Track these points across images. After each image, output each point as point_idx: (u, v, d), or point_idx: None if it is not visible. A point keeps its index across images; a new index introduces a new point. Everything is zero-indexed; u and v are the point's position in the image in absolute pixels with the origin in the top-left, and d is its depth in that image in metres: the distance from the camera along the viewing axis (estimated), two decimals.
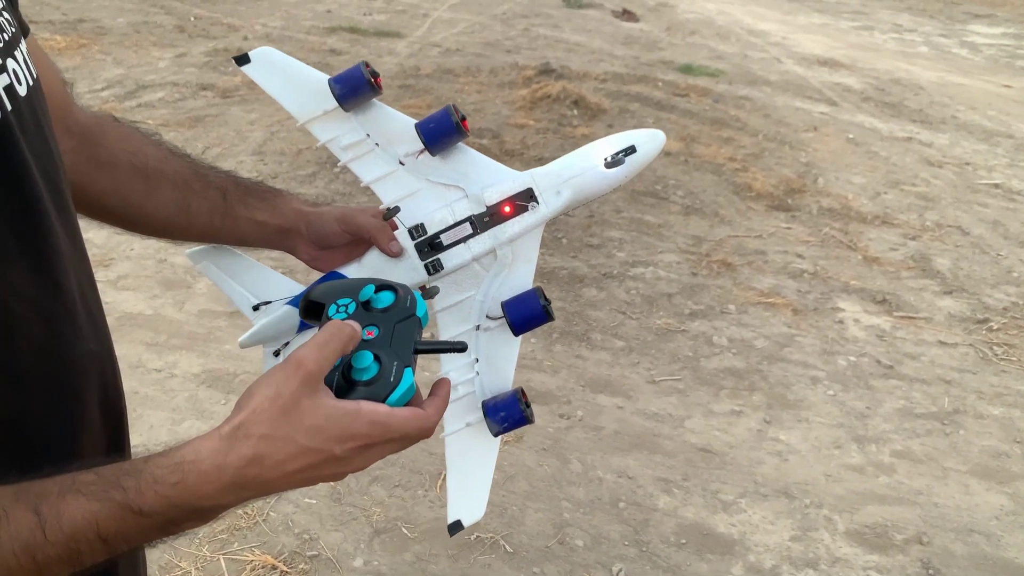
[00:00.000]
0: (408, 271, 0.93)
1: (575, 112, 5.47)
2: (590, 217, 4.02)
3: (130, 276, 3.25)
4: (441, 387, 0.68)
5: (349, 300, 0.67)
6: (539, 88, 5.78)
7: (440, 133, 0.89)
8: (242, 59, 0.94)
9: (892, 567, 2.21)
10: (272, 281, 0.98)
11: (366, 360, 0.62)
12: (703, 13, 10.32)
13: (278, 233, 0.95)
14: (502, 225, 0.91)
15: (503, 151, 4.68)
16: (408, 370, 0.63)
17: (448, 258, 0.92)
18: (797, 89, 6.84)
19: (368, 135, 0.92)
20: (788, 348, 3.13)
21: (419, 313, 0.68)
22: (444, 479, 2.43)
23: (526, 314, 0.91)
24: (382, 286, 0.69)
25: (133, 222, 0.92)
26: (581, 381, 2.86)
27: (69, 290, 0.68)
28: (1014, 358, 3.19)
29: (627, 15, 9.55)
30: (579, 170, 0.92)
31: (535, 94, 5.69)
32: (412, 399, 0.65)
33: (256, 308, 0.97)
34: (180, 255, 3.40)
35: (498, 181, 0.92)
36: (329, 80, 0.90)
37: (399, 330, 0.66)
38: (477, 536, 2.23)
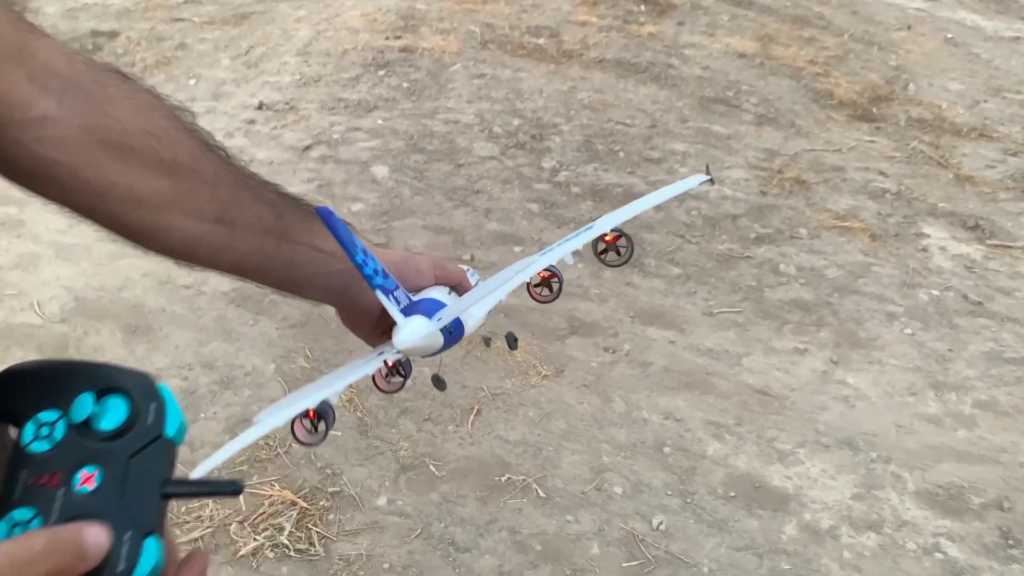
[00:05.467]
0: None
1: (642, 8, 5.04)
2: (652, 127, 3.71)
3: None
4: (193, 563, 0.46)
5: (56, 415, 0.44)
6: None
7: None
8: None
9: (966, 534, 2.00)
10: None
11: None
12: None
13: (351, 274, 0.68)
14: None
15: (560, 51, 4.34)
16: (151, 541, 0.41)
17: None
18: None
19: None
20: (863, 279, 2.84)
21: (169, 432, 0.44)
22: (476, 414, 2.30)
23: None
24: (106, 389, 0.46)
25: (145, 232, 0.63)
26: (630, 311, 2.65)
27: None
28: None
29: None
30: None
31: None
32: None
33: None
34: None
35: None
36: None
37: (136, 469, 0.43)
38: (508, 478, 2.09)
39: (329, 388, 0.68)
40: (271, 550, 1.90)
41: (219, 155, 0.66)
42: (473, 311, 0.76)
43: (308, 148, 3.34)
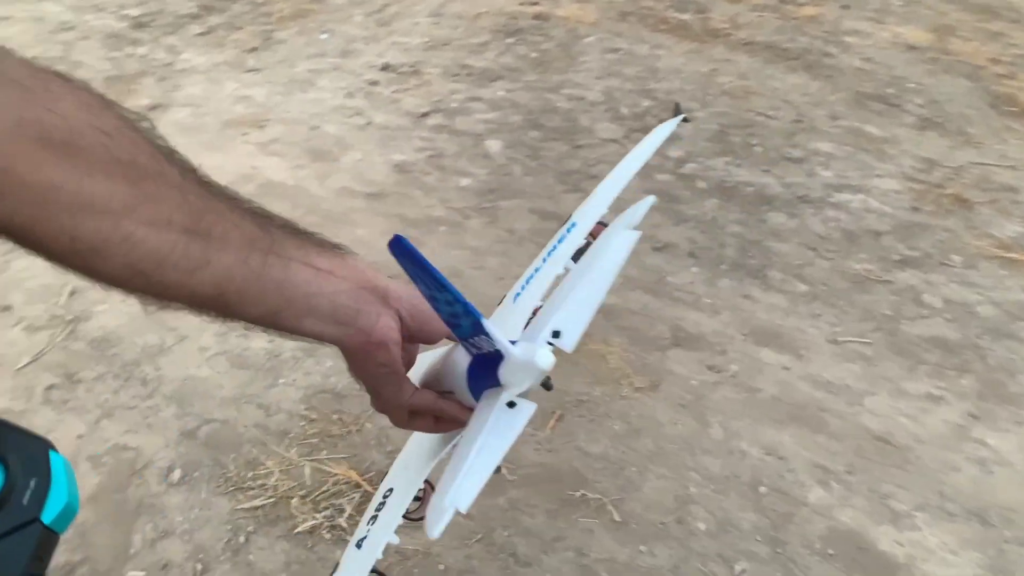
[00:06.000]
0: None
1: None
2: (797, 122, 3.38)
3: (280, 141, 3.12)
4: None
5: None
6: None
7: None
8: None
9: None
10: None
11: None
12: None
13: (358, 296, 0.60)
14: None
15: (705, 29, 4.04)
16: None
17: None
18: None
19: None
20: (1022, 323, 2.47)
21: (46, 518, 0.37)
22: (558, 420, 2.16)
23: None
24: None
25: (100, 248, 0.49)
26: (744, 328, 2.41)
27: None
28: None
29: None
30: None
31: None
32: None
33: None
34: (333, 122, 3.23)
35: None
36: None
37: None
38: (583, 494, 1.94)
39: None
40: (328, 531, 1.85)
41: (182, 163, 0.53)
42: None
43: (425, 115, 3.24)
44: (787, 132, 3.32)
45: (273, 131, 3.17)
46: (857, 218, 2.87)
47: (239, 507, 1.90)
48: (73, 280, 2.19)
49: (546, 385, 0.71)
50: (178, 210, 0.51)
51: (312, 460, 2.00)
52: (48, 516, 0.38)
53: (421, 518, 0.64)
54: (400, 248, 0.53)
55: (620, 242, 0.62)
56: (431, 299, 0.58)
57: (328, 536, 1.84)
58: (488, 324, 0.60)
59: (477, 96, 3.38)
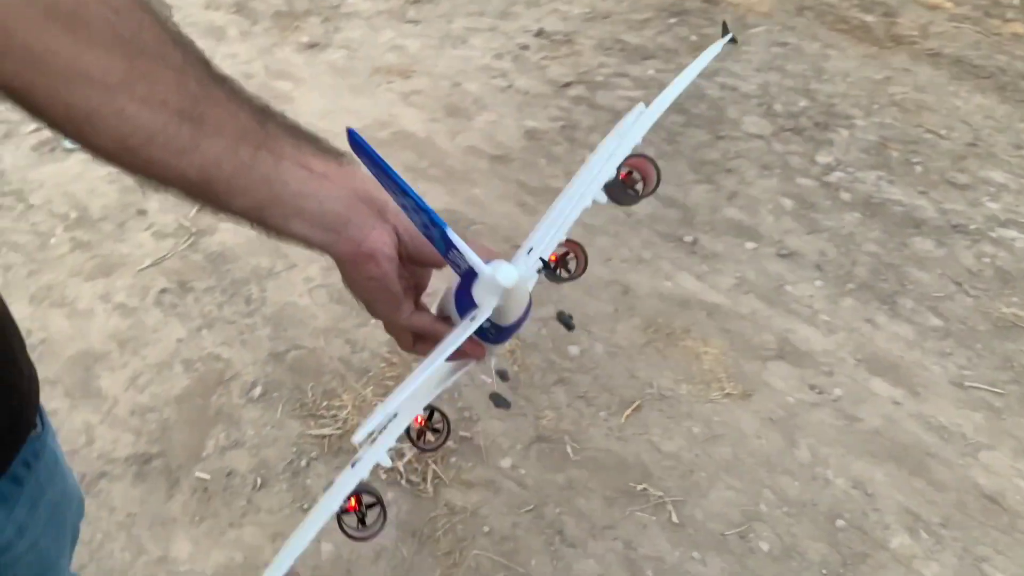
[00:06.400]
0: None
1: (1016, 1, 4.18)
2: (971, 145, 3.07)
3: (422, 93, 3.17)
4: None
5: None
6: None
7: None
8: None
9: None
10: None
11: None
12: None
13: (350, 204, 0.58)
14: None
15: (889, 35, 3.73)
16: None
17: None
18: None
19: None
20: None
21: None
22: (635, 409, 2.08)
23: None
24: None
25: (92, 116, 0.50)
26: (859, 353, 2.23)
27: None
28: None
29: None
30: None
31: None
32: None
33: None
34: (476, 81, 3.24)
35: None
36: None
37: None
38: (645, 489, 1.87)
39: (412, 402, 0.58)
40: (385, 472, 1.87)
41: (191, 50, 0.53)
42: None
43: (567, 85, 3.19)
44: (957, 155, 3.02)
45: (417, 83, 3.23)
46: (1018, 259, 2.57)
47: (308, 432, 1.96)
48: None
49: (566, 324, 0.69)
50: (174, 92, 0.51)
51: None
52: None
53: (432, 448, 0.66)
54: (355, 143, 0.50)
55: (604, 154, 0.57)
56: (404, 208, 0.55)
57: (384, 477, 1.86)
58: (455, 235, 0.56)
59: (625, 72, 3.29)
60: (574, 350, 2.18)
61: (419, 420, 0.68)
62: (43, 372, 2.01)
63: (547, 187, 2.72)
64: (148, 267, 2.34)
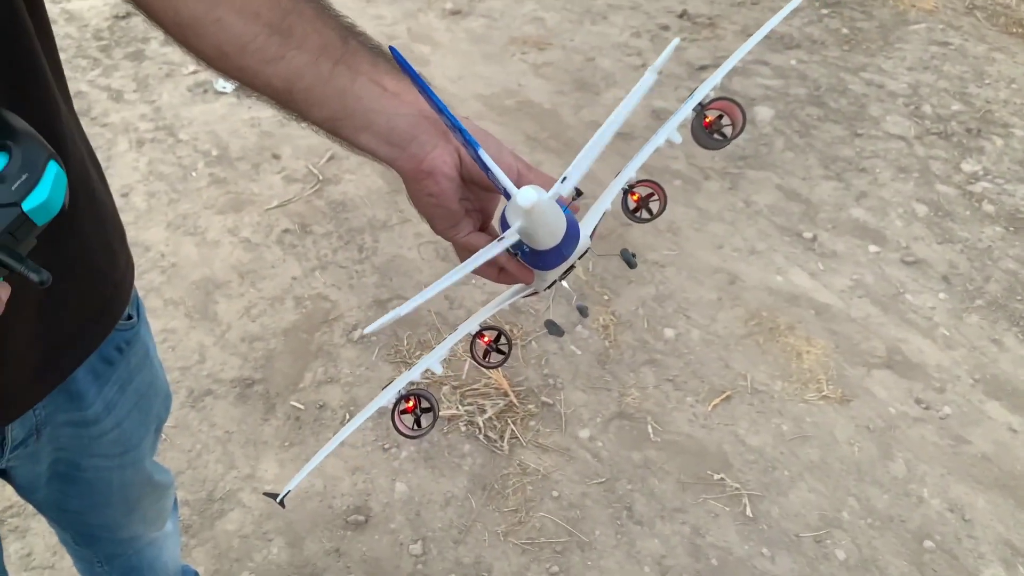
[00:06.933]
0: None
1: None
2: None
3: (554, 65, 3.18)
4: None
5: None
6: None
7: None
8: None
9: None
10: None
11: None
12: None
13: (416, 123, 0.61)
14: None
15: None
16: None
17: None
18: None
19: None
20: None
21: (26, 205, 0.41)
22: (724, 399, 2.03)
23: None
24: None
25: (195, 23, 0.58)
26: (977, 373, 2.08)
27: None
28: None
29: None
30: None
31: None
32: None
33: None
34: (609, 58, 3.22)
35: None
36: None
37: None
38: (722, 478, 1.83)
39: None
40: (465, 425, 1.92)
41: None
42: (587, 220, 0.64)
43: (703, 68, 3.12)
44: None
45: (551, 55, 3.24)
46: None
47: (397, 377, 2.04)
48: (335, 148, 2.44)
49: (628, 261, 0.70)
50: (266, 5, 0.58)
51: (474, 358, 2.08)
52: (28, 205, 0.43)
53: (495, 366, 0.68)
54: (396, 59, 0.53)
55: (638, 86, 0.57)
56: (443, 111, 0.58)
57: (463, 429, 1.91)
58: (486, 156, 0.58)
59: (765, 60, 3.18)
60: (669, 333, 2.15)
61: (486, 339, 0.70)
62: (169, 293, 2.19)
63: (666, 168, 2.68)
64: (275, 207, 2.48)
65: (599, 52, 3.24)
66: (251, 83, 0.62)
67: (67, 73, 0.69)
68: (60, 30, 3.07)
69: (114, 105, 2.80)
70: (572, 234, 0.60)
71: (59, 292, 0.67)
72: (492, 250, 0.57)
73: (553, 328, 0.72)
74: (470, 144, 0.57)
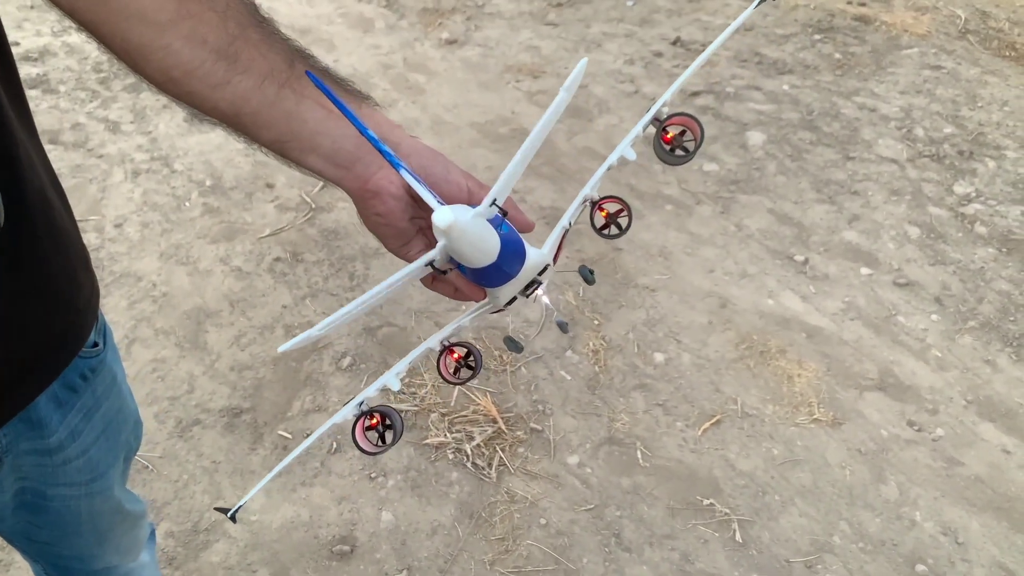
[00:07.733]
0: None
1: None
2: None
3: (548, 93, 3.21)
4: None
5: None
6: None
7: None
8: None
9: None
10: None
11: None
12: None
13: (362, 144, 0.63)
14: None
15: None
16: None
17: None
18: None
19: None
20: None
21: None
22: (714, 423, 2.01)
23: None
24: None
25: (143, 51, 0.59)
26: (970, 395, 2.06)
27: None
28: None
29: None
30: None
31: None
32: None
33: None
34: (603, 85, 3.24)
35: None
36: None
37: None
38: (711, 504, 1.81)
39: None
40: (453, 452, 1.91)
41: None
42: (549, 239, 0.66)
43: (695, 95, 3.13)
44: None
45: (545, 83, 3.27)
46: None
47: (401, 409, 2.03)
48: None
49: (586, 278, 0.71)
50: (214, 32, 0.59)
51: (464, 384, 2.08)
52: None
53: (463, 382, 0.69)
54: (314, 81, 0.54)
55: (553, 106, 0.58)
56: (363, 131, 0.59)
57: (451, 456, 1.91)
58: (408, 174, 0.60)
59: (758, 85, 3.19)
60: (660, 357, 2.14)
61: (456, 355, 0.71)
62: (160, 322, 2.20)
63: (658, 193, 2.69)
64: (267, 236, 2.50)
65: (592, 79, 3.26)
66: (200, 107, 0.63)
67: (65, 105, 0.70)
68: (60, 63, 3.12)
69: (111, 136, 2.83)
70: (512, 252, 0.60)
71: (18, 318, 0.67)
72: (410, 268, 0.57)
73: (512, 344, 0.72)
74: (392, 163, 0.58)
